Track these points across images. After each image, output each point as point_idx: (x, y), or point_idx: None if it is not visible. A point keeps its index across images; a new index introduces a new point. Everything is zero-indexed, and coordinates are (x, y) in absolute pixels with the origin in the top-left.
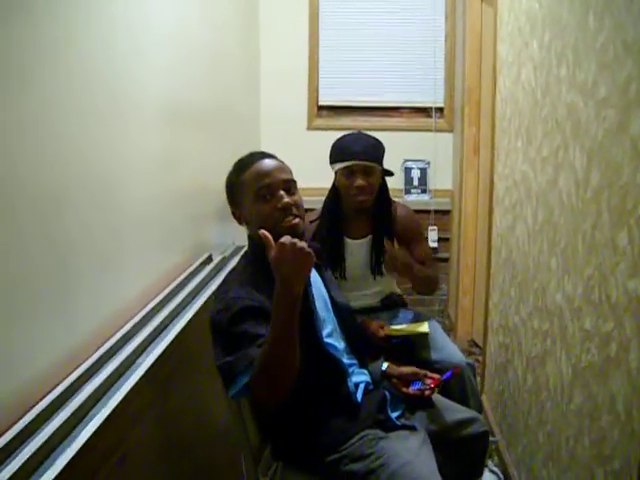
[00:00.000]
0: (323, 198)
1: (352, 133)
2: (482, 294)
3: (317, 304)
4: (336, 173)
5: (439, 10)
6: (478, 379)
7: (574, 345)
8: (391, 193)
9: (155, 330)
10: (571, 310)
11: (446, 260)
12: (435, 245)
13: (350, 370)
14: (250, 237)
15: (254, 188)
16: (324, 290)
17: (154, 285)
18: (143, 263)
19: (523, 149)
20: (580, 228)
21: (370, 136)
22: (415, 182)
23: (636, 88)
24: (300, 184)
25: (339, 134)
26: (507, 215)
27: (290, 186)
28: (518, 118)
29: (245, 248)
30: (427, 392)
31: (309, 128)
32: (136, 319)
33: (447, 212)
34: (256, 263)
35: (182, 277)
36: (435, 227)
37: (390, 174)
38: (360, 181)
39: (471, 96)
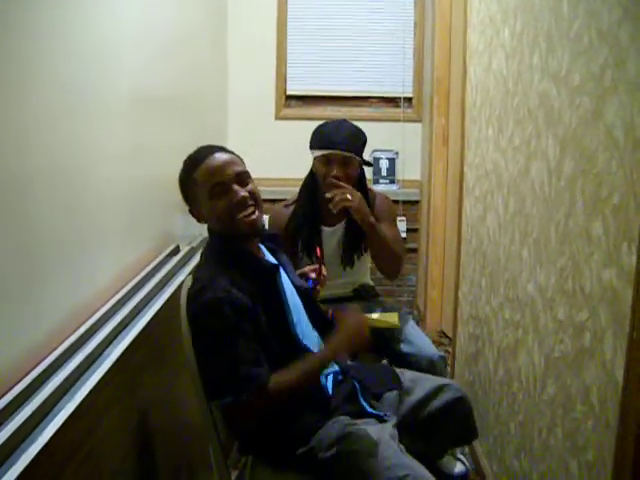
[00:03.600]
0: (291, 189)
1: (335, 120)
2: (451, 285)
3: (287, 289)
4: (315, 159)
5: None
6: (448, 369)
7: (547, 335)
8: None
9: (122, 322)
10: (544, 300)
11: (415, 251)
12: (404, 236)
13: None
14: (211, 231)
15: (207, 187)
16: (285, 275)
17: (122, 275)
18: (111, 253)
19: (494, 138)
20: (553, 218)
21: (353, 125)
22: (383, 172)
23: (611, 75)
24: (268, 174)
25: (307, 124)
26: (477, 205)
27: (242, 177)
28: (489, 107)
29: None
30: (318, 287)
31: (277, 118)
32: (103, 310)
33: (416, 203)
34: (225, 259)
35: (150, 267)
36: (404, 218)
37: (369, 165)
38: (337, 171)
39: (440, 86)
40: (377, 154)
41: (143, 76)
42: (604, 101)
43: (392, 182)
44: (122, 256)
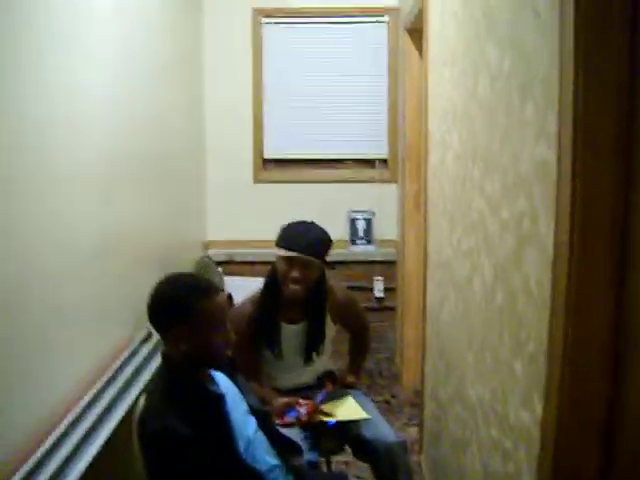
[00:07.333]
0: (267, 250)
1: (303, 223)
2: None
3: (237, 414)
4: (277, 256)
5: (382, 64)
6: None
7: (485, 447)
8: (337, 245)
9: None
10: (483, 412)
11: (392, 309)
12: (381, 295)
13: (273, 475)
14: (169, 357)
15: (215, 319)
16: (240, 397)
17: (92, 372)
18: (79, 350)
19: (448, 235)
20: (488, 341)
21: (320, 230)
22: (360, 233)
23: (528, 223)
24: (248, 237)
25: (285, 187)
26: (437, 293)
27: None
28: (442, 202)
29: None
30: (304, 418)
31: (256, 181)
32: (70, 418)
33: (393, 262)
34: (174, 387)
35: (122, 358)
36: (381, 278)
37: (332, 267)
38: (296, 274)
39: (412, 152)
40: (354, 215)
41: (120, 150)
42: (523, 245)
43: (369, 242)
44: (91, 351)
